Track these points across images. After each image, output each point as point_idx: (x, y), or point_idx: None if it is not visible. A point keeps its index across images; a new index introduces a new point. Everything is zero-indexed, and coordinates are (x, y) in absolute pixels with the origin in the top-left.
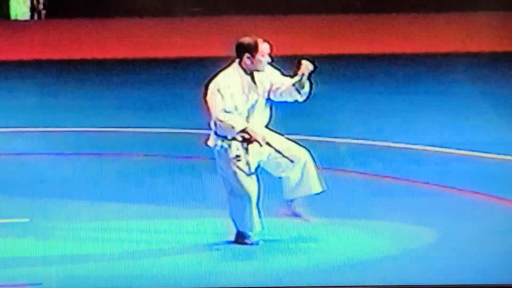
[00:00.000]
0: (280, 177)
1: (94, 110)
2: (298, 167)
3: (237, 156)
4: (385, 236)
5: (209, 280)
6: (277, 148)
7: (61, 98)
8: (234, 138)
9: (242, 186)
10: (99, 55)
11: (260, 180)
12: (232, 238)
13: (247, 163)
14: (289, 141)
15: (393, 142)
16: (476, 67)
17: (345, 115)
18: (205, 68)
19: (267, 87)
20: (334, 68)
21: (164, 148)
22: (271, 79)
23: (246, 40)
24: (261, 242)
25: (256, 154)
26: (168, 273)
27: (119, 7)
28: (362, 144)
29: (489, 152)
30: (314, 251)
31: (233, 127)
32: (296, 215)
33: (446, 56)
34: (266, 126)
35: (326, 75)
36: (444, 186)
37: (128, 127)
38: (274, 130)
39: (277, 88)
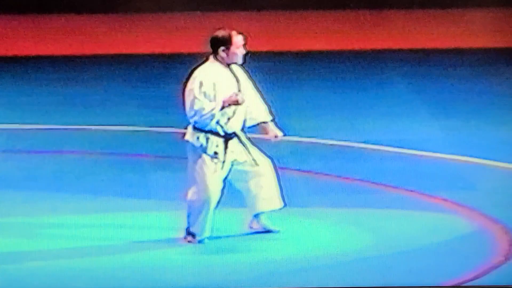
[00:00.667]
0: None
1: (37, 106)
2: (262, 179)
3: (215, 153)
4: (321, 234)
5: (156, 277)
6: (248, 147)
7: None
8: (214, 133)
9: (206, 189)
10: (40, 51)
11: (225, 188)
12: (181, 235)
13: (223, 163)
14: (256, 150)
15: (332, 140)
16: (409, 64)
17: (285, 113)
18: (182, 65)
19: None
20: (276, 65)
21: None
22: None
23: (220, 33)
24: (206, 241)
25: (233, 153)
26: (119, 272)
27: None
28: (301, 141)
29: (421, 150)
30: (255, 250)
31: (210, 111)
32: (265, 228)
33: (380, 53)
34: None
35: (268, 72)
36: (379, 184)
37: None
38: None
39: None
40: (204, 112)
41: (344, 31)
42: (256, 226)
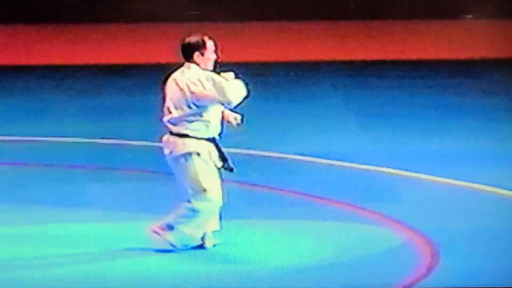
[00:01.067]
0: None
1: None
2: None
3: (224, 162)
4: (254, 246)
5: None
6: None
7: None
8: (206, 139)
9: (218, 193)
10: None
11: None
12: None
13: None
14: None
15: (267, 151)
16: (340, 76)
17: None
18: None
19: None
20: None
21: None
22: None
23: (194, 38)
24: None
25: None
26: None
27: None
28: (237, 153)
29: (352, 162)
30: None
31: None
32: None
33: (314, 64)
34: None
35: None
36: (312, 196)
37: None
38: None
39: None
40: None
41: (279, 42)
42: (209, 245)
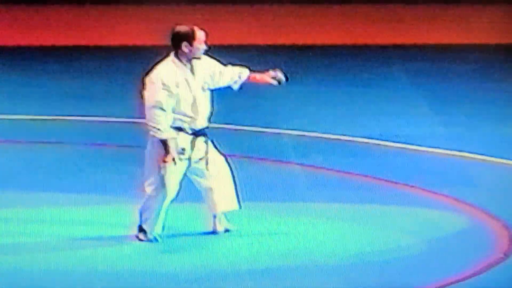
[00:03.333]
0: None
1: (27, 97)
2: (218, 180)
3: (183, 149)
4: (321, 229)
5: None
6: (209, 147)
7: None
8: (182, 129)
9: (167, 184)
10: (32, 41)
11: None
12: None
13: (188, 160)
14: (216, 151)
15: (333, 134)
16: (410, 60)
17: (287, 107)
18: (145, 57)
19: (208, 78)
20: (276, 59)
21: (102, 136)
22: (211, 69)
23: (183, 28)
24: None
25: (199, 151)
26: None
27: None
28: (303, 135)
29: (423, 146)
30: (252, 241)
31: (158, 129)
32: (214, 231)
33: (382, 48)
34: (209, 118)
35: (267, 66)
36: (380, 179)
37: (66, 116)
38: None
39: (218, 79)
40: (151, 122)
41: (348, 26)
42: (220, 228)
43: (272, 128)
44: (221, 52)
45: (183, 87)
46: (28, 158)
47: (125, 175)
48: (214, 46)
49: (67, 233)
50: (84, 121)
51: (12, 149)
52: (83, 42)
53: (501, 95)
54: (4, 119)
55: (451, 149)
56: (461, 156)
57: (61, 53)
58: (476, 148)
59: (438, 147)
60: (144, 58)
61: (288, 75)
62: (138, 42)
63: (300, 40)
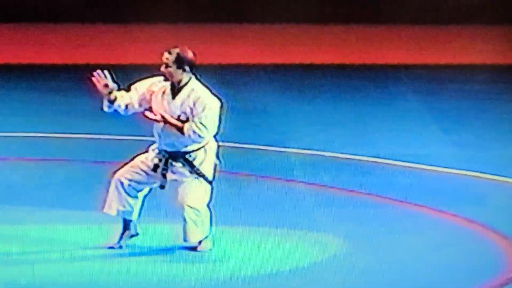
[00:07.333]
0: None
1: (39, 115)
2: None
3: (155, 166)
4: (329, 247)
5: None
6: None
7: (7, 102)
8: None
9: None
10: (46, 60)
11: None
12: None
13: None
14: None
15: (341, 153)
16: (420, 80)
17: (295, 125)
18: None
19: (187, 110)
20: (285, 79)
21: (111, 155)
22: (194, 111)
23: (190, 54)
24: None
25: (176, 174)
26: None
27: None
28: (311, 154)
29: (430, 165)
30: (256, 260)
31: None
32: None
33: (393, 68)
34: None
35: (277, 86)
36: (389, 198)
37: (75, 134)
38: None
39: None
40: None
41: (356, 45)
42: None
43: (279, 147)
44: (228, 71)
45: (155, 102)
46: (38, 175)
47: None
48: (222, 65)
49: (77, 250)
50: (94, 139)
51: (23, 166)
52: (95, 60)
53: (511, 115)
54: (18, 136)
55: (460, 169)
56: (470, 175)
57: (72, 71)
58: (485, 167)
59: (447, 167)
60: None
61: (297, 94)
62: (150, 61)
63: (308, 59)
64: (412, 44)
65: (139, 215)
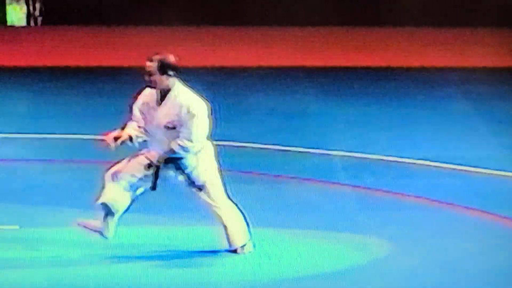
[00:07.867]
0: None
1: (87, 117)
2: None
3: (149, 166)
4: (374, 250)
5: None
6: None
7: (55, 104)
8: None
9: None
10: (93, 62)
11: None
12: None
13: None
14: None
15: (385, 156)
16: (468, 82)
17: (338, 128)
18: None
19: (175, 118)
20: (328, 81)
21: None
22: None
23: (172, 58)
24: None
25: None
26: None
27: (117, 15)
28: (354, 157)
29: (479, 167)
30: (299, 262)
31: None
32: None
33: (439, 70)
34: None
35: (320, 88)
36: (435, 201)
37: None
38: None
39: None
40: None
41: (400, 48)
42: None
43: (321, 149)
44: (269, 73)
45: (146, 110)
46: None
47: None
48: (262, 67)
49: (102, 251)
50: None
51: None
52: (112, 62)
53: None
54: (46, 138)
55: (509, 171)
56: None
57: (115, 73)
58: None
59: (495, 169)
60: None
61: (338, 97)
62: None
63: (353, 62)
64: (460, 46)
65: (124, 212)
